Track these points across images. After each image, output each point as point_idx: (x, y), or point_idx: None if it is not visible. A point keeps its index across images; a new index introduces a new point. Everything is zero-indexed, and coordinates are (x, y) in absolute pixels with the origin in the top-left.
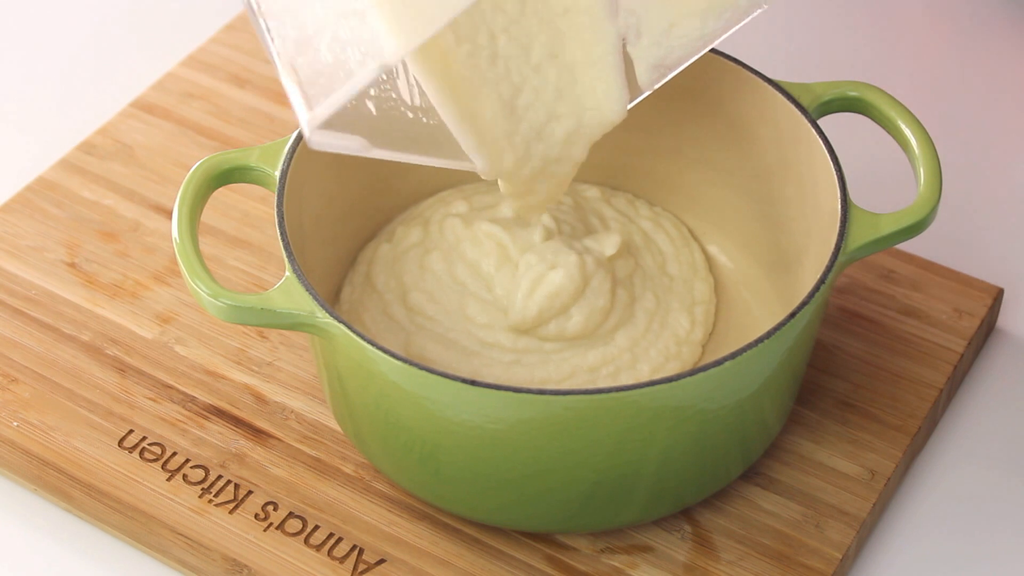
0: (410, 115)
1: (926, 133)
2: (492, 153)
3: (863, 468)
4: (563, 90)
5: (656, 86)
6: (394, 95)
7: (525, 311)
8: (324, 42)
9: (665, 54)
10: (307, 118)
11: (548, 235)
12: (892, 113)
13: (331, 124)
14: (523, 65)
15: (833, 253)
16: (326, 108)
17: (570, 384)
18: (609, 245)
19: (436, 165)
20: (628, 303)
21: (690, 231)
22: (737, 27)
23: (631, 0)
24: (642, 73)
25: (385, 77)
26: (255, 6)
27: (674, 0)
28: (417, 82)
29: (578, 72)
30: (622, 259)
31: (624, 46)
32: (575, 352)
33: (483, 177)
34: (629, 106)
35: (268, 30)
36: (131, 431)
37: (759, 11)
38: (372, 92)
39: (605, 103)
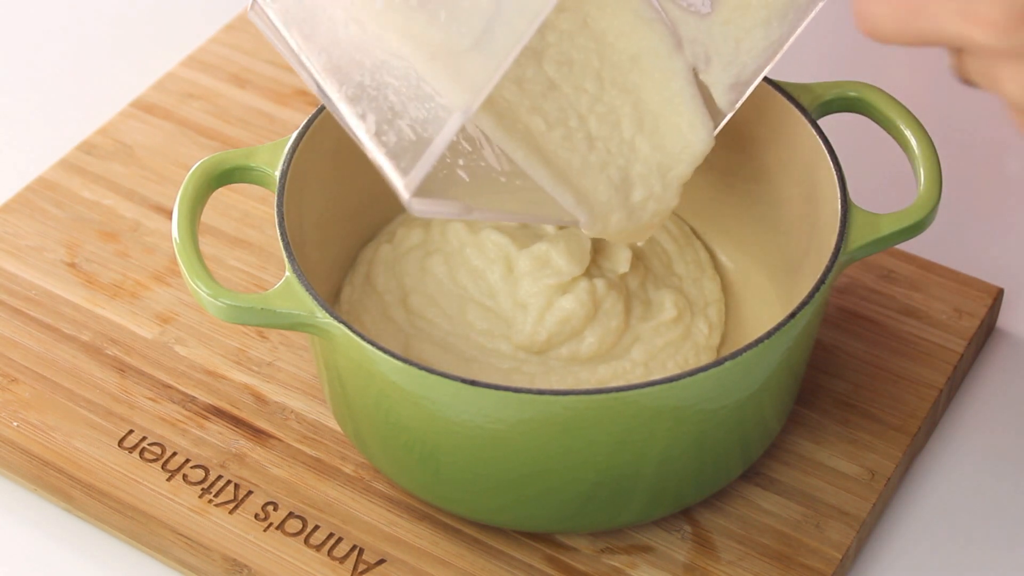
0: (503, 179)
1: (926, 133)
2: (594, 211)
3: (863, 468)
4: (656, 145)
5: (737, 105)
6: (482, 163)
7: (535, 335)
8: (405, 122)
9: (739, 71)
10: (403, 183)
11: (555, 247)
12: (892, 113)
13: (427, 191)
14: (620, 144)
15: (833, 253)
16: (419, 170)
17: None
18: (621, 262)
19: (538, 222)
20: (643, 318)
21: (692, 230)
22: (802, 26)
23: (693, 30)
24: (720, 96)
25: (470, 148)
26: (329, 91)
27: (735, 18)
28: (501, 150)
29: (660, 119)
30: (632, 269)
31: (697, 76)
32: (583, 366)
33: (586, 232)
34: (715, 132)
35: (348, 113)
36: (131, 431)
37: (820, 6)
38: (461, 162)
39: (691, 136)
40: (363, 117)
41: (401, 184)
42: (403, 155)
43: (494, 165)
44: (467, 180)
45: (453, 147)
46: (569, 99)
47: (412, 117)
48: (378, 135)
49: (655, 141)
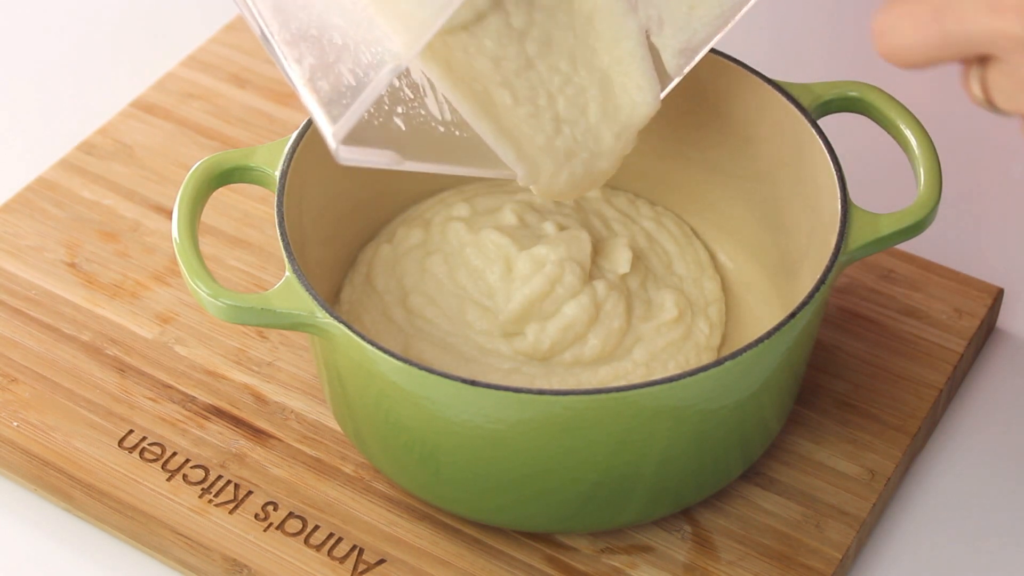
0: (441, 129)
1: (926, 133)
2: (532, 165)
3: (863, 468)
4: (603, 102)
5: (685, 71)
6: (423, 112)
7: (537, 344)
8: (346, 67)
9: (689, 37)
10: (331, 131)
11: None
12: (892, 113)
13: (359, 139)
14: (586, 133)
15: (833, 253)
16: (348, 119)
17: None
18: (622, 263)
19: (471, 175)
20: (645, 318)
21: (691, 229)
22: (754, 1)
23: None
24: (669, 60)
25: (412, 95)
26: (269, 35)
27: None
28: (447, 99)
29: (611, 77)
30: (632, 269)
31: (648, 38)
32: (584, 368)
33: (521, 184)
34: (662, 95)
35: (285, 56)
36: (131, 431)
37: None
38: (400, 110)
39: (638, 98)
40: (299, 61)
41: (329, 132)
42: (337, 102)
43: (435, 114)
44: (403, 129)
45: (393, 94)
46: (542, 77)
47: (356, 61)
48: (312, 80)
49: (606, 97)
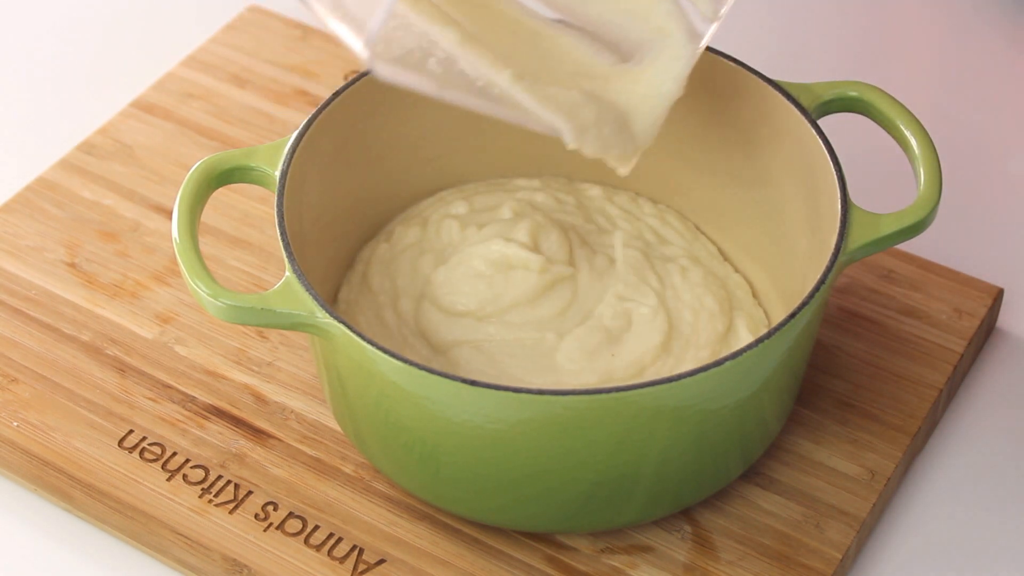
0: (479, 83)
1: (926, 133)
2: (576, 126)
3: (863, 468)
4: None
5: (722, 12)
6: (458, 69)
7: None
8: None
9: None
10: (363, 40)
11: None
12: (892, 113)
13: (395, 60)
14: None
15: (833, 253)
16: (379, 17)
17: None
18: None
19: (513, 120)
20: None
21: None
22: None
23: None
24: (699, 17)
25: (444, 56)
26: None
27: None
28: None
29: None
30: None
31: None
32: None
33: (568, 146)
34: (702, 44)
35: None
36: (131, 431)
37: None
38: (434, 60)
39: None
40: None
41: (361, 43)
42: (363, 12)
43: (471, 75)
44: (439, 72)
45: (426, 50)
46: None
47: None
48: (338, 5)
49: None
